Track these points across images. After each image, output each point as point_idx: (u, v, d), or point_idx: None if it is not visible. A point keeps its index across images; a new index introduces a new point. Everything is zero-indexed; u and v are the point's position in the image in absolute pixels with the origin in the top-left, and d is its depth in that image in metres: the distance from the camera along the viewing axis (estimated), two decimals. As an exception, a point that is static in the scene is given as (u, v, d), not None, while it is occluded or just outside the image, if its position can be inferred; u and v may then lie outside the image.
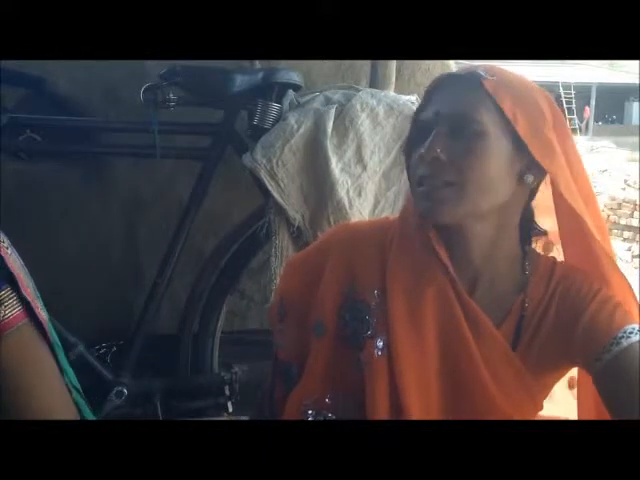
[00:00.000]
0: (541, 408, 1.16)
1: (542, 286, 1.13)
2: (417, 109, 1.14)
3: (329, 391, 1.14)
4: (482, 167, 1.05)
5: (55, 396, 1.02)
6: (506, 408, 1.09)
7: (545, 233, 1.18)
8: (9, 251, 1.02)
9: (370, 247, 1.17)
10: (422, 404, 1.09)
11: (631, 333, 1.04)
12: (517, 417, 1.10)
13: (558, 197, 1.14)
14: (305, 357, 1.18)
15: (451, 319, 1.10)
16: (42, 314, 1.03)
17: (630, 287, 1.14)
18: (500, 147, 1.06)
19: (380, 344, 1.10)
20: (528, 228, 1.17)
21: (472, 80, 1.08)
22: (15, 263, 1.02)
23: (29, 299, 1.00)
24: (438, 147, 1.05)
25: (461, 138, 1.06)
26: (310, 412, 1.14)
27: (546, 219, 1.19)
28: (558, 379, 1.17)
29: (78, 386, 1.12)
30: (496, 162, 1.06)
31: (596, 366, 1.04)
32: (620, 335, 1.04)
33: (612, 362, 1.03)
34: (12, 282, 0.99)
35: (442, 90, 1.11)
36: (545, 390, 1.16)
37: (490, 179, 1.06)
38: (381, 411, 1.08)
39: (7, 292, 0.99)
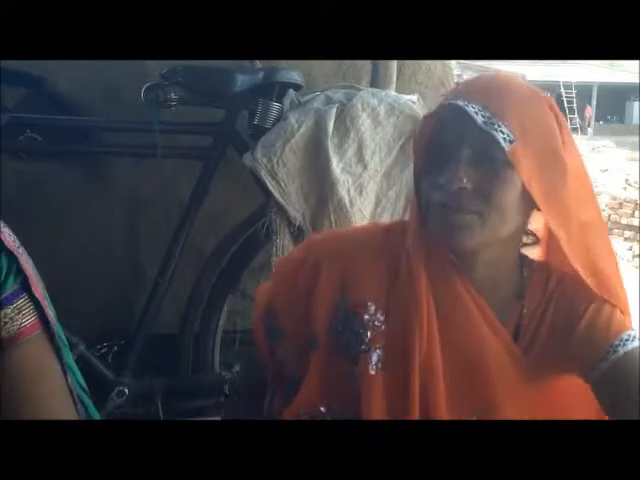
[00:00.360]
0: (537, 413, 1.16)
1: (538, 293, 1.13)
2: (429, 121, 1.10)
3: (324, 402, 1.14)
4: (506, 196, 1.04)
5: (62, 401, 1.02)
6: (508, 408, 1.09)
7: (537, 242, 1.18)
8: (20, 250, 1.02)
9: (361, 256, 1.15)
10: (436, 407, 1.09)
11: (627, 340, 1.05)
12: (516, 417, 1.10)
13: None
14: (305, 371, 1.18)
15: (471, 325, 1.10)
16: (51, 314, 1.03)
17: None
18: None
19: (375, 358, 1.09)
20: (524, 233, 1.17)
21: (493, 142, 1.03)
22: (27, 263, 1.02)
23: (40, 299, 1.00)
24: (464, 176, 1.03)
25: (486, 167, 1.04)
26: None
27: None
28: (556, 386, 1.17)
29: (84, 385, 1.12)
30: (517, 191, 1.04)
31: (594, 375, 1.04)
32: (617, 343, 1.04)
33: (610, 370, 1.03)
34: (28, 287, 0.99)
35: (465, 117, 1.05)
36: (541, 395, 1.15)
37: (511, 207, 1.05)
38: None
39: (25, 300, 0.99)
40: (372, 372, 1.09)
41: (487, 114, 1.03)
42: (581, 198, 1.10)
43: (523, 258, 1.16)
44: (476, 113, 1.02)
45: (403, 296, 1.11)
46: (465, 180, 1.03)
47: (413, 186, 1.15)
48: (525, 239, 1.16)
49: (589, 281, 1.09)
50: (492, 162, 1.04)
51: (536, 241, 1.17)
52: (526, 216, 1.10)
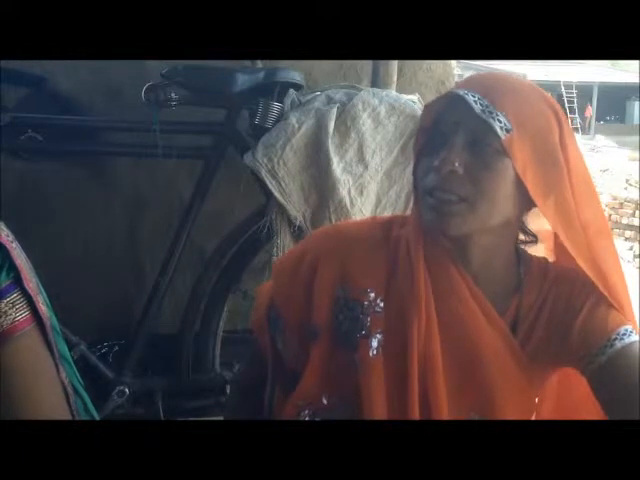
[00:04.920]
0: (534, 404, 1.16)
1: (536, 288, 1.13)
2: (429, 111, 1.12)
3: (325, 392, 1.14)
4: (498, 185, 1.05)
5: (55, 397, 1.02)
6: (506, 398, 1.10)
7: (536, 241, 1.18)
8: (14, 245, 1.02)
9: (360, 247, 1.16)
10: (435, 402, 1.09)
11: (624, 335, 1.05)
12: (513, 408, 1.10)
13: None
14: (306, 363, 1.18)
15: (467, 313, 1.11)
16: (43, 308, 1.03)
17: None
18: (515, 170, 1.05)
19: (375, 344, 1.10)
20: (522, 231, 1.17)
21: (489, 130, 1.04)
22: (20, 258, 1.02)
23: (32, 294, 1.00)
24: (456, 160, 1.04)
25: (480, 153, 1.05)
26: (306, 412, 1.15)
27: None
28: (550, 378, 1.17)
29: (80, 380, 1.12)
30: (510, 181, 1.05)
31: (591, 368, 1.05)
32: (614, 337, 1.05)
33: (607, 364, 1.04)
34: (20, 282, 0.99)
35: (463, 105, 1.06)
36: (537, 387, 1.16)
37: (503, 197, 1.06)
38: (378, 412, 1.08)
39: (18, 295, 0.99)
40: (372, 357, 1.10)
41: (485, 102, 1.04)
42: (582, 198, 1.11)
43: (520, 253, 1.16)
44: (475, 102, 1.04)
45: (402, 283, 1.13)
46: (457, 163, 1.04)
47: (412, 178, 1.16)
48: (523, 237, 1.17)
49: (591, 275, 1.09)
50: (486, 149, 1.05)
51: (535, 240, 1.17)
52: (520, 209, 1.10)
